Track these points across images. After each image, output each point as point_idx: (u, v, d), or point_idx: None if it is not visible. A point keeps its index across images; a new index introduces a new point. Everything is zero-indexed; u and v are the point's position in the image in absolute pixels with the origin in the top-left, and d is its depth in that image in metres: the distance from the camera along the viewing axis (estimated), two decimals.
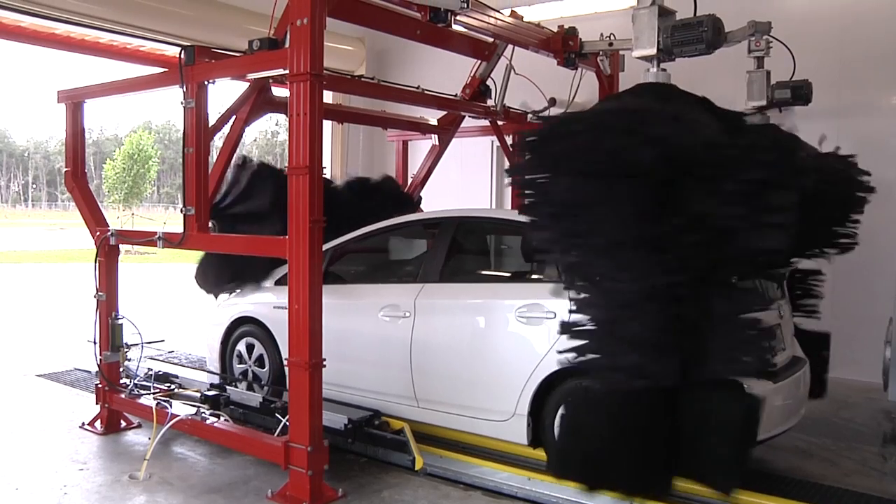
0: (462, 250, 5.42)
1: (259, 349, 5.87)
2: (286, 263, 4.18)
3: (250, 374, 5.94)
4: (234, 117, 5.06)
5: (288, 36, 4.07)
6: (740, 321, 3.45)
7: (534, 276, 4.94)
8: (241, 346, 6.02)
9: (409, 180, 7.89)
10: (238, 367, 6.06)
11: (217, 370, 6.16)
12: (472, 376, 4.75)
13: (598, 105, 3.94)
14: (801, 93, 5.37)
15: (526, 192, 3.66)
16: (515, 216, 4.81)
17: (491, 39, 6.52)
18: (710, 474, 3.69)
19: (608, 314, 3.56)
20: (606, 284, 3.56)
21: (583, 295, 3.63)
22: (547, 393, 4.44)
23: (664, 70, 3.80)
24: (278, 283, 5.78)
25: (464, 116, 7.47)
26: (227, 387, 5.66)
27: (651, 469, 3.70)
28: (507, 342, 4.63)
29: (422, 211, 7.58)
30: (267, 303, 5.78)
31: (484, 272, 5.65)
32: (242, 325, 6.01)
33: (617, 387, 3.56)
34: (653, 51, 3.73)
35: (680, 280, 3.38)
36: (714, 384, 3.56)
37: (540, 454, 4.55)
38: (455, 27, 5.07)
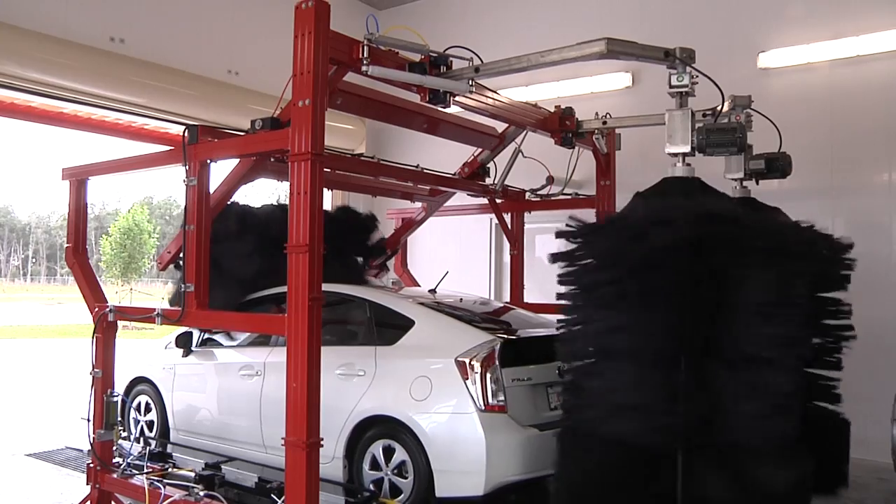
0: None
1: (150, 405, 6.69)
2: None
3: (144, 429, 6.69)
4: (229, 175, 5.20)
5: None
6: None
7: (351, 341, 5.86)
8: (135, 403, 6.83)
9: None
10: (136, 426, 6.79)
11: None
12: None
13: (634, 204, 4.24)
14: (776, 165, 5.28)
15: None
16: (347, 290, 5.86)
17: (500, 128, 6.64)
18: None
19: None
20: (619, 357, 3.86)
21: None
22: (358, 439, 5.19)
23: (689, 165, 4.15)
24: (168, 346, 6.57)
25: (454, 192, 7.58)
26: (223, 466, 5.54)
27: None
28: (329, 396, 5.12)
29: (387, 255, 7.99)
30: (158, 364, 6.64)
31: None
32: (139, 384, 6.85)
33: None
34: (687, 149, 4.08)
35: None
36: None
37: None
38: (453, 108, 5.16)
